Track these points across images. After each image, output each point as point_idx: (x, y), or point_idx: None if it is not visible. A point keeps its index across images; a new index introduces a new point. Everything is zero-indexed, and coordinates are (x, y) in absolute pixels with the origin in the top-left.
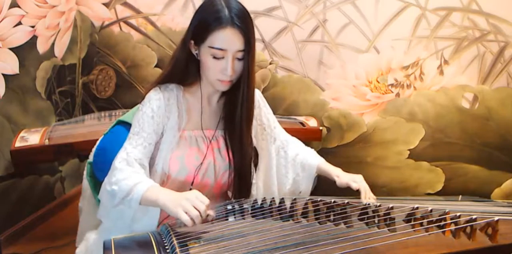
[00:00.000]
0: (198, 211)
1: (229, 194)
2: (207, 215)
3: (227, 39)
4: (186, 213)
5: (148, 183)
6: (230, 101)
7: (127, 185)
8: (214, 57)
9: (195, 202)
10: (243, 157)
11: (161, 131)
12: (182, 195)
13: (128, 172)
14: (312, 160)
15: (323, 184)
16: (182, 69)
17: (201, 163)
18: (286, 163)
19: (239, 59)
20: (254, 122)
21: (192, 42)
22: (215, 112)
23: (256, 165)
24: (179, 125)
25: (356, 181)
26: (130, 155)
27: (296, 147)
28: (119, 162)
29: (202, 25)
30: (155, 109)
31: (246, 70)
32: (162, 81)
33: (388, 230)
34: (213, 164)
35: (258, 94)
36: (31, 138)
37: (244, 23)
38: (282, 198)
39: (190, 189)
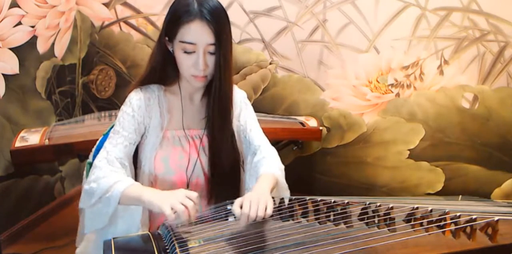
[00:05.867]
0: (186, 207)
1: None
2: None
3: (195, 32)
4: (172, 208)
5: (128, 182)
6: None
7: (107, 183)
8: (186, 52)
9: (183, 198)
10: (217, 157)
11: (143, 131)
12: (169, 192)
13: (107, 171)
14: (262, 169)
15: (322, 184)
16: (160, 69)
17: (188, 163)
18: (250, 170)
19: (211, 54)
20: (236, 122)
21: (167, 38)
22: (198, 111)
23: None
24: (161, 125)
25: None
26: (110, 153)
27: (261, 157)
28: (99, 160)
29: (173, 20)
30: (136, 109)
31: (217, 65)
32: (142, 81)
33: (388, 230)
34: (199, 163)
35: (242, 96)
36: (31, 138)
37: (214, 16)
38: (282, 198)
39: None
